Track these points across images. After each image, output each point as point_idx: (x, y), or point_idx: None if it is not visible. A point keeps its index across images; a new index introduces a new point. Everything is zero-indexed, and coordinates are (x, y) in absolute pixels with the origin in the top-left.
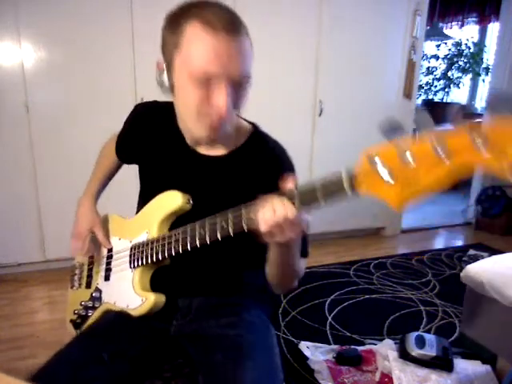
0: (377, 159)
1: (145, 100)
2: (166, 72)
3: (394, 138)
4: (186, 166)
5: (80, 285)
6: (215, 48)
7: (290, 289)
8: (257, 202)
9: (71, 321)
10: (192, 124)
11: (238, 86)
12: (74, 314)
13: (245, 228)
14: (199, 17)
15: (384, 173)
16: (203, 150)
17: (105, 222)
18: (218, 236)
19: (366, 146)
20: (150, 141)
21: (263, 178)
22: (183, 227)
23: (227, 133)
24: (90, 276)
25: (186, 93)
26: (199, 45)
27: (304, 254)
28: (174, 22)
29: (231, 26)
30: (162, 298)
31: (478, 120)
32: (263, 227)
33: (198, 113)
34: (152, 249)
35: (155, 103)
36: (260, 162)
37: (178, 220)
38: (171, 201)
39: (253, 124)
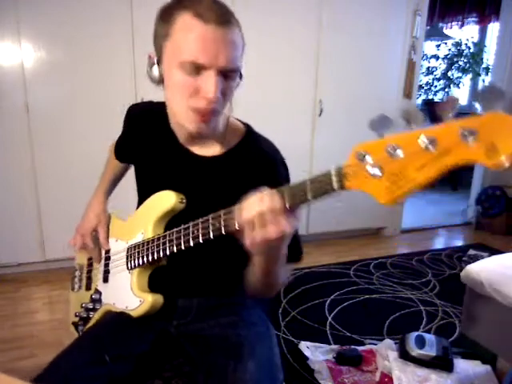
0: (365, 154)
1: (145, 100)
2: (156, 64)
3: (383, 134)
4: (179, 165)
5: (80, 287)
6: (204, 38)
7: (266, 297)
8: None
9: (73, 323)
10: (182, 115)
11: (226, 77)
12: (76, 316)
13: (236, 226)
14: (191, 8)
15: (372, 167)
16: (196, 150)
17: (108, 223)
18: (211, 235)
19: None
20: (143, 141)
21: (256, 178)
22: (177, 227)
23: (217, 124)
24: (89, 278)
25: (176, 82)
26: (189, 34)
27: (295, 257)
28: (166, 13)
29: (222, 18)
30: (159, 299)
31: (468, 116)
32: (245, 214)
33: (187, 102)
34: (147, 249)
35: (149, 104)
36: (253, 162)
37: (173, 220)
38: (165, 201)
39: (246, 125)
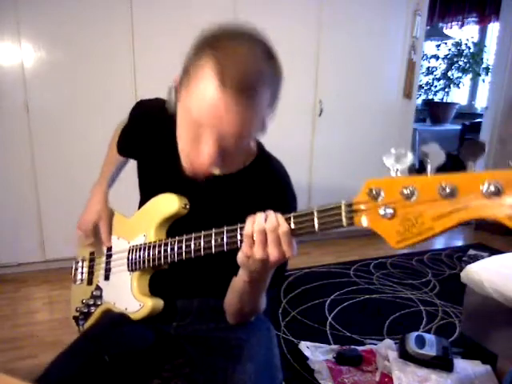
0: (378, 191)
1: (145, 98)
2: (174, 90)
3: (398, 168)
4: (184, 176)
5: (82, 280)
6: (215, 104)
7: (242, 321)
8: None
9: (74, 317)
10: (182, 152)
11: (229, 142)
12: (76, 311)
13: (238, 244)
14: (217, 64)
15: (385, 208)
16: None
17: (111, 218)
18: (213, 250)
19: (365, 146)
20: (149, 140)
21: (264, 199)
22: (179, 237)
23: (216, 174)
24: (91, 273)
25: (182, 126)
26: (202, 94)
27: (275, 283)
28: (199, 50)
29: (244, 86)
30: (159, 303)
31: (496, 170)
32: (247, 228)
33: (187, 146)
34: (149, 254)
35: (157, 102)
36: (263, 184)
37: (176, 224)
38: (168, 205)
39: (258, 143)
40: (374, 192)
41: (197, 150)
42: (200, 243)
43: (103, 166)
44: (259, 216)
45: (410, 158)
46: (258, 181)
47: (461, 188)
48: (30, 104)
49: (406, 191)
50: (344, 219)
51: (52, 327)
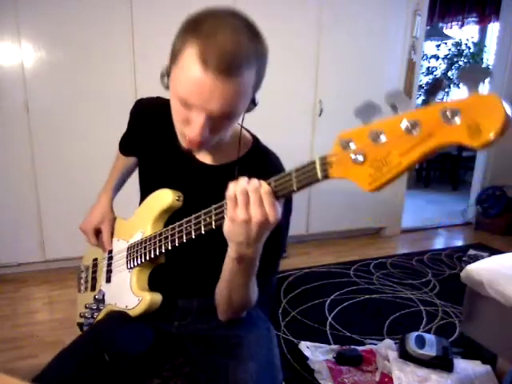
0: (348, 141)
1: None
2: (166, 76)
3: (369, 121)
4: (181, 169)
5: (86, 288)
6: (199, 83)
7: (233, 316)
8: None
9: (78, 324)
10: (177, 132)
11: (219, 118)
12: (81, 316)
13: (226, 219)
14: (200, 46)
15: (355, 155)
16: (201, 157)
17: (113, 223)
18: (202, 230)
19: None
20: (148, 137)
21: None
22: (172, 225)
23: (209, 146)
24: (94, 279)
25: (173, 105)
26: (187, 74)
27: (268, 271)
28: (184, 33)
29: (226, 65)
30: (158, 297)
31: (453, 100)
32: (230, 190)
33: (180, 125)
34: (145, 248)
35: (156, 100)
36: (257, 175)
37: (173, 219)
38: (162, 199)
39: (254, 137)
40: (345, 142)
41: (188, 124)
42: (191, 226)
43: (110, 172)
44: (242, 179)
45: (379, 110)
46: (253, 171)
47: (423, 120)
48: (29, 104)
49: (373, 135)
50: (319, 172)
51: (52, 327)
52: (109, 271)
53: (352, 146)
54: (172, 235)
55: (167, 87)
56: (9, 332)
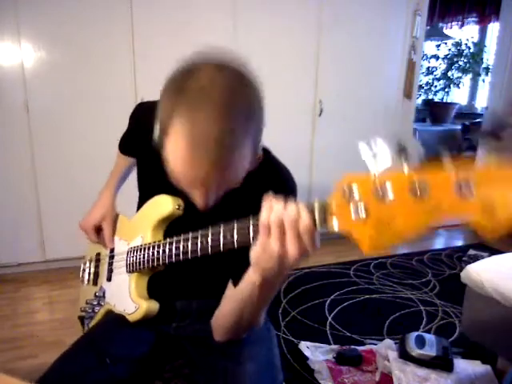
0: (352, 189)
1: (145, 100)
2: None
3: (376, 170)
4: None
5: (88, 281)
6: (193, 172)
7: (233, 337)
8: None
9: (79, 317)
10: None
11: (219, 189)
12: (81, 311)
13: (235, 243)
14: (185, 129)
15: (356, 209)
16: None
17: (115, 220)
18: (209, 251)
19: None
20: (150, 142)
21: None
22: (177, 237)
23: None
24: (96, 273)
25: (171, 170)
26: (178, 162)
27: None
28: (167, 99)
29: (218, 147)
30: (154, 306)
31: (470, 156)
32: (263, 217)
33: (181, 183)
34: (145, 256)
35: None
36: (266, 188)
37: (178, 224)
38: (162, 206)
39: (265, 149)
40: (348, 190)
41: (193, 191)
42: (197, 243)
43: (112, 170)
44: (277, 203)
45: (388, 162)
46: (263, 185)
47: (433, 187)
48: (29, 104)
49: (379, 190)
50: (318, 224)
51: (52, 327)
52: (110, 270)
53: (354, 197)
54: (176, 248)
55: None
56: (9, 332)
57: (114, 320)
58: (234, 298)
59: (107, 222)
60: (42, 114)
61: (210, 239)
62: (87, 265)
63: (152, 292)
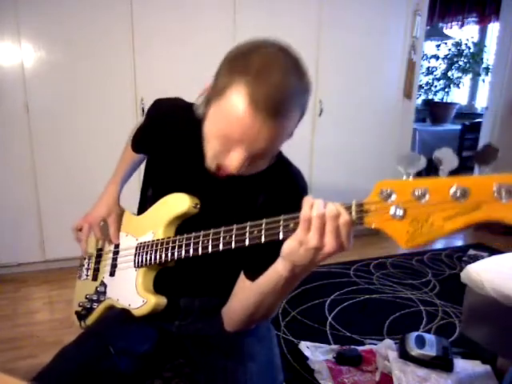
0: (390, 193)
1: (144, 100)
2: (204, 103)
3: (410, 172)
4: (199, 175)
5: (87, 276)
6: (247, 125)
7: (244, 328)
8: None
9: (76, 312)
10: (208, 156)
11: (259, 155)
12: (79, 306)
13: (246, 242)
14: (249, 86)
15: (395, 208)
16: None
17: (121, 216)
18: (220, 248)
19: (365, 146)
20: (167, 140)
21: (280, 204)
22: (188, 234)
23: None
24: (97, 269)
25: (211, 135)
26: (234, 113)
27: None
28: (231, 69)
29: (276, 109)
30: (163, 301)
31: (508, 174)
32: (305, 211)
33: (214, 153)
34: (156, 251)
35: (176, 101)
36: (279, 187)
37: (186, 223)
38: (178, 203)
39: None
40: (385, 193)
41: (225, 155)
42: (208, 241)
43: (118, 165)
44: (318, 201)
45: (422, 162)
46: (276, 184)
47: (473, 190)
48: (29, 104)
49: (417, 192)
50: (355, 221)
51: (52, 327)
52: (114, 265)
53: (392, 198)
54: (187, 245)
55: (202, 114)
56: (9, 332)
57: (117, 315)
58: (253, 291)
59: (113, 218)
60: (41, 114)
61: (234, 234)
62: (86, 261)
63: (157, 288)
